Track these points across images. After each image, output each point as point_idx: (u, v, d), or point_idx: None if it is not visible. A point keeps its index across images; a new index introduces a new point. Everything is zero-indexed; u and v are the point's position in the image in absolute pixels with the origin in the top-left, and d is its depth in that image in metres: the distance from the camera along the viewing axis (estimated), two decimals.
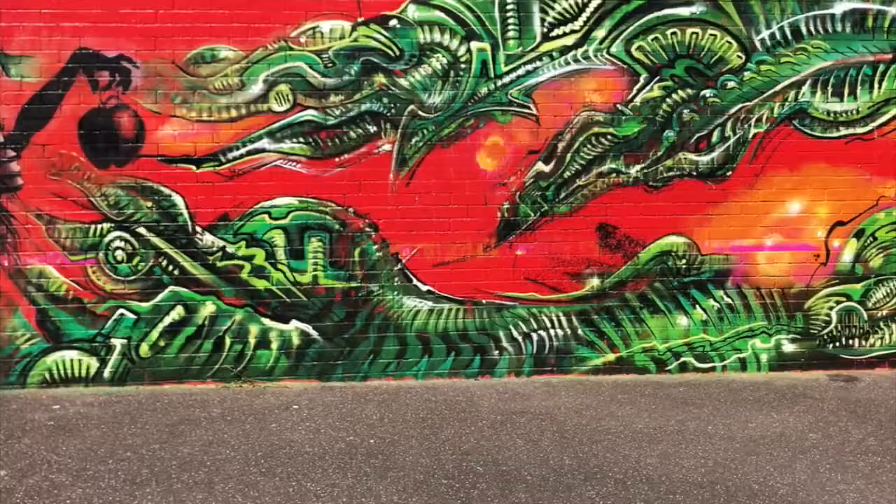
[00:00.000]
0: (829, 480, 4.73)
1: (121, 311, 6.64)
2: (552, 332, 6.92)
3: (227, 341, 6.66)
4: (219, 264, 6.61)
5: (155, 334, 6.64)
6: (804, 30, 6.99)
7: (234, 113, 6.67)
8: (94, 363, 6.65)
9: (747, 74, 6.95)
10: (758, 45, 6.96)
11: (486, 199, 6.79)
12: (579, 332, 6.96)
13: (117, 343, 6.64)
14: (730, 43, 6.93)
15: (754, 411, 6.01)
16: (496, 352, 6.87)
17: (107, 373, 6.66)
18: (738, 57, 6.94)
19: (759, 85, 6.96)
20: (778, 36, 6.98)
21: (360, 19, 6.71)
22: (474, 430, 5.59)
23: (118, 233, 6.61)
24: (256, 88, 6.66)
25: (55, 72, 6.52)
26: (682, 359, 7.04)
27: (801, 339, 7.12)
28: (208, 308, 6.64)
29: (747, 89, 6.95)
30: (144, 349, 6.66)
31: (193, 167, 6.54)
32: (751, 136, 7.00)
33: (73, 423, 5.77)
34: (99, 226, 6.60)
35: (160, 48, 6.57)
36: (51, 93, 6.53)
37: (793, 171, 7.02)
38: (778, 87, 6.97)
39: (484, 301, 6.82)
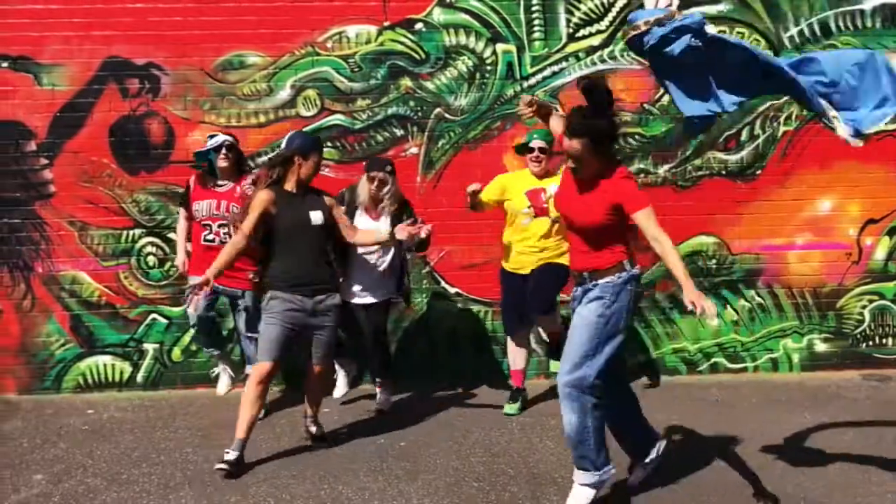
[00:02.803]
0: (864, 482, 4.67)
1: (153, 315, 6.72)
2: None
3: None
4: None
5: (186, 339, 6.71)
6: (833, 26, 6.92)
7: (262, 118, 6.72)
8: (126, 368, 6.73)
9: None
10: (786, 42, 6.91)
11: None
12: None
13: (149, 348, 6.71)
14: (758, 40, 6.88)
15: (786, 412, 5.95)
16: None
17: (139, 377, 6.74)
18: None
19: None
20: (806, 32, 6.92)
21: (386, 23, 6.74)
22: (504, 433, 5.59)
23: (149, 238, 6.68)
24: (284, 94, 6.71)
25: (86, 80, 6.61)
26: (713, 359, 7.00)
27: (834, 339, 7.05)
28: None
29: None
30: (176, 353, 6.73)
31: None
32: (780, 134, 6.94)
33: (108, 428, 5.84)
34: (130, 232, 6.68)
35: (189, 55, 6.63)
36: (82, 101, 6.62)
37: (823, 168, 6.96)
38: None
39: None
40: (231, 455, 4.88)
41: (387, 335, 6.25)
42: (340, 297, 5.32)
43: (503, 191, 5.90)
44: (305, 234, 5.07)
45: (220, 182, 5.96)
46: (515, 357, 6.12)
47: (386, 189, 5.78)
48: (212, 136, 5.99)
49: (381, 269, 5.88)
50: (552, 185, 5.80)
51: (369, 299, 5.90)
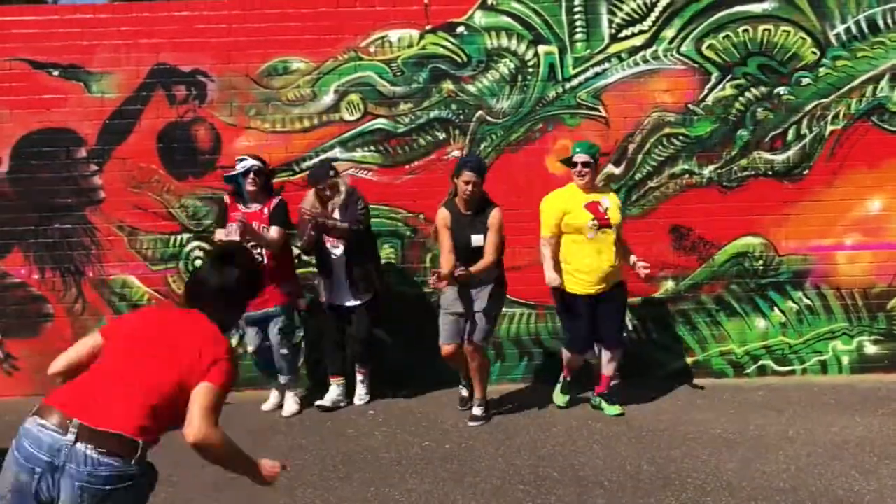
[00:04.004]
0: None
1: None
2: (626, 336, 6.85)
3: (304, 347, 6.77)
4: (298, 272, 6.70)
5: (233, 341, 6.77)
6: (881, 23, 6.81)
7: (306, 123, 6.79)
8: None
9: (822, 70, 6.80)
10: (833, 40, 6.81)
11: None
12: (654, 335, 6.89)
13: None
14: (803, 39, 6.79)
15: (837, 415, 5.87)
16: None
17: None
18: (813, 53, 6.80)
19: (834, 81, 6.80)
20: (854, 30, 6.81)
21: (427, 27, 6.77)
22: (549, 436, 5.58)
23: (197, 242, 6.78)
24: (328, 98, 6.77)
25: (134, 87, 6.73)
26: (761, 362, 6.91)
27: (885, 341, 6.92)
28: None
29: (823, 86, 6.80)
30: None
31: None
32: (827, 133, 6.84)
33: None
34: (178, 236, 6.78)
35: (234, 62, 6.72)
36: (130, 108, 6.74)
37: (872, 168, 6.84)
38: (855, 83, 6.81)
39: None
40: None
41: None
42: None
43: (562, 212, 5.81)
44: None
45: (248, 203, 6.10)
46: (579, 363, 6.17)
47: (340, 193, 6.06)
48: (241, 160, 6.10)
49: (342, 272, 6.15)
50: (603, 197, 5.80)
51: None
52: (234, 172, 6.09)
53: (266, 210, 6.08)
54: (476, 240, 5.68)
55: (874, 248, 6.88)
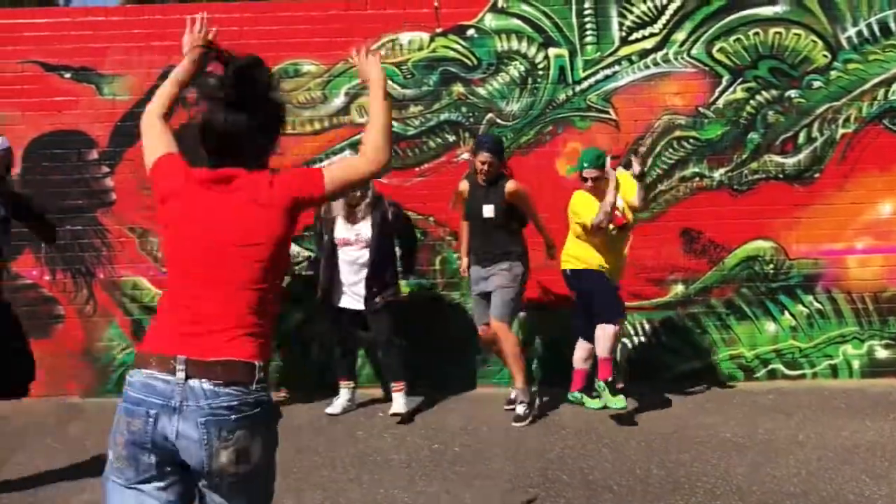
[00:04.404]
0: None
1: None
2: (635, 339, 6.85)
3: (313, 349, 6.78)
4: (303, 274, 6.73)
5: None
6: (893, 26, 6.80)
7: (317, 126, 6.81)
8: None
9: (834, 73, 6.79)
10: (844, 43, 6.79)
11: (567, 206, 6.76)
12: (663, 338, 6.88)
13: None
14: (815, 42, 6.78)
15: (847, 419, 5.84)
16: None
17: None
18: (824, 56, 6.78)
19: (846, 84, 6.78)
20: (865, 33, 6.80)
21: (437, 30, 6.78)
22: (558, 439, 5.57)
23: None
24: (338, 101, 6.79)
25: (146, 89, 6.73)
26: (771, 366, 6.89)
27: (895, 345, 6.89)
28: (294, 317, 6.75)
29: (834, 89, 6.79)
30: None
31: None
32: (839, 136, 6.82)
33: None
34: None
35: None
36: (142, 110, 6.68)
37: (883, 171, 6.82)
38: (866, 86, 6.79)
39: (566, 308, 6.77)
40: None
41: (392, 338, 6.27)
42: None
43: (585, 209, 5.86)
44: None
45: None
46: (587, 354, 6.16)
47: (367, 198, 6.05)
48: None
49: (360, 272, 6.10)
50: (618, 199, 5.80)
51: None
52: None
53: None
54: (487, 210, 5.95)
55: (885, 252, 6.86)
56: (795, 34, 6.77)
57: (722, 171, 6.83)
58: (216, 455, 2.34)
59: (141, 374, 2.41)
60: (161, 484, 2.37)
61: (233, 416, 2.35)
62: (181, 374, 2.35)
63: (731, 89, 6.80)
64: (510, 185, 5.91)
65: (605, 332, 5.85)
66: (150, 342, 2.48)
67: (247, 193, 2.46)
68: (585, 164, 5.81)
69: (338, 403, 6.25)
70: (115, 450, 2.40)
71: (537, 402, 6.23)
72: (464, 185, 6.13)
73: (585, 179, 5.82)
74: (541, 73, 6.83)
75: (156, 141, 2.72)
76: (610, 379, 5.85)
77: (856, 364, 6.88)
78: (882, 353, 6.89)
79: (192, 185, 2.51)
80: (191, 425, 2.33)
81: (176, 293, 2.48)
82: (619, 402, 5.78)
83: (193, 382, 2.34)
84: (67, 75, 6.75)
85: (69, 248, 6.79)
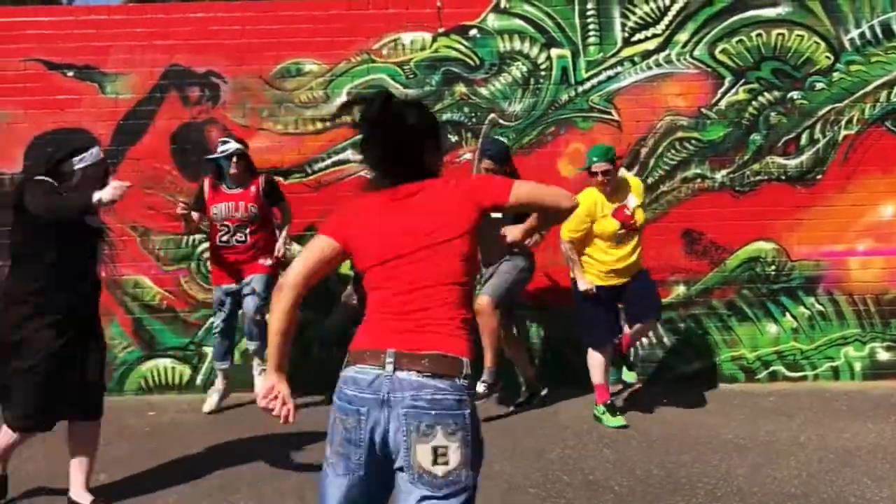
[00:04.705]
0: None
1: (212, 319, 6.82)
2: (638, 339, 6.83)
3: (315, 349, 6.79)
4: None
5: (244, 343, 6.79)
6: None
7: (319, 125, 6.81)
8: (186, 371, 6.86)
9: (836, 75, 6.79)
10: (847, 44, 6.79)
11: None
12: (664, 339, 6.88)
13: (209, 351, 6.81)
14: (817, 43, 6.78)
15: (848, 421, 5.84)
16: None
17: (199, 380, 6.86)
18: (827, 57, 6.78)
19: (848, 86, 6.78)
20: (868, 35, 6.79)
21: (440, 30, 6.78)
22: (559, 440, 5.57)
23: (209, 244, 6.78)
24: (341, 100, 6.78)
25: (148, 88, 6.77)
26: (772, 367, 6.89)
27: None
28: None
29: (836, 90, 6.79)
30: (235, 357, 6.81)
31: (281, 179, 6.65)
32: (841, 138, 6.82)
33: (169, 430, 5.95)
34: (191, 237, 6.79)
35: (247, 63, 6.75)
36: (144, 109, 6.78)
37: (885, 173, 6.81)
38: (869, 88, 6.79)
39: (567, 309, 6.76)
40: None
41: None
42: None
43: (589, 219, 5.70)
44: None
45: (230, 185, 6.15)
46: (603, 369, 5.90)
47: None
48: (224, 142, 6.12)
49: None
50: (629, 196, 5.76)
51: None
52: (217, 155, 6.10)
53: (254, 188, 6.14)
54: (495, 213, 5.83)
55: (887, 254, 6.85)
56: (798, 36, 6.77)
57: (724, 172, 6.83)
58: (413, 450, 2.39)
59: (353, 369, 2.51)
60: (367, 474, 2.47)
61: (433, 412, 2.39)
62: (390, 367, 2.43)
63: (733, 90, 6.80)
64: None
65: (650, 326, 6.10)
66: (361, 339, 2.58)
67: (440, 193, 2.61)
68: (595, 159, 5.73)
69: None
70: (332, 447, 2.52)
71: (518, 392, 6.23)
72: None
73: (595, 174, 5.73)
74: (543, 73, 6.83)
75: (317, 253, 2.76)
76: (609, 401, 5.88)
77: (857, 366, 6.88)
78: (884, 356, 6.88)
79: (385, 202, 2.63)
80: (395, 416, 2.40)
81: (384, 294, 2.57)
82: (618, 422, 5.79)
83: (401, 373, 2.42)
84: (70, 74, 6.76)
85: None
